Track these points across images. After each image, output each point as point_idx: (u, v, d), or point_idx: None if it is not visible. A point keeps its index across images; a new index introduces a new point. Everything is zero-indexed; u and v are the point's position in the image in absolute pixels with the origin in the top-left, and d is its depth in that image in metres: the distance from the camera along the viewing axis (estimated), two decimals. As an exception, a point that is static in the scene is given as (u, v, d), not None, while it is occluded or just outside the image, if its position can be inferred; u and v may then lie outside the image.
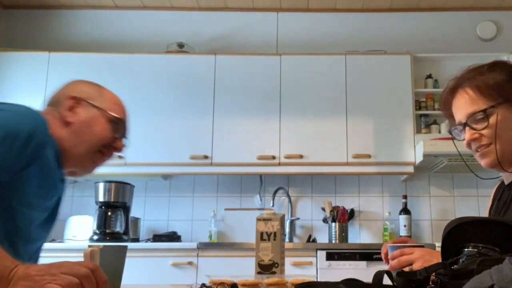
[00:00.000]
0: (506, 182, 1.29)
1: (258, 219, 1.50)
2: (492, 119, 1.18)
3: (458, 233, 0.89)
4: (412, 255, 1.19)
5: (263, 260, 1.46)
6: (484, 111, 1.18)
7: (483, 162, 1.23)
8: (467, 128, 1.22)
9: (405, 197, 3.67)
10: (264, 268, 1.45)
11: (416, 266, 1.16)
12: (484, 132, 1.19)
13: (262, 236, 1.48)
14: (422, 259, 1.16)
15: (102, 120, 1.34)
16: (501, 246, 0.85)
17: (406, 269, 1.18)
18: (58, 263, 0.91)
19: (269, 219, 1.49)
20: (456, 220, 0.90)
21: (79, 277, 0.88)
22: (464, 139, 1.25)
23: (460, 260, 0.84)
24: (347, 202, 3.74)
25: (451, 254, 0.88)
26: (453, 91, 1.26)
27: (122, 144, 1.40)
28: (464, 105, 1.23)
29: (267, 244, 1.47)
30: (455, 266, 0.82)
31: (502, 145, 1.18)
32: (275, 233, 1.47)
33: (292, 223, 3.70)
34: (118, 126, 1.38)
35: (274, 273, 1.44)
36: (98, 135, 1.32)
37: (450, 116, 1.31)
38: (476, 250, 0.85)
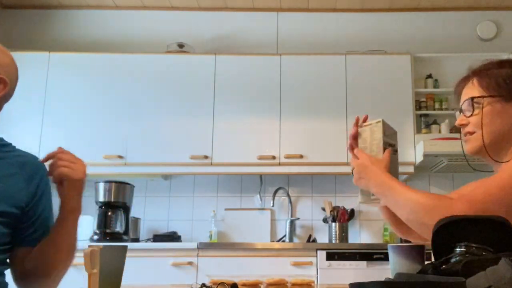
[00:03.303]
0: None
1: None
2: (480, 109, 1.22)
3: (452, 232, 0.88)
4: (354, 162, 1.28)
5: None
6: (472, 98, 1.23)
7: (465, 149, 1.29)
8: (461, 113, 1.29)
9: (405, 197, 3.66)
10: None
11: (353, 173, 1.27)
12: (470, 119, 1.25)
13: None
14: (356, 169, 1.26)
15: None
16: (495, 245, 0.84)
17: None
18: None
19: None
20: (447, 217, 0.90)
21: None
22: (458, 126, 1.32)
23: (451, 260, 0.84)
24: (347, 202, 3.74)
25: (445, 253, 0.88)
26: (464, 80, 1.31)
27: None
28: (466, 93, 1.28)
29: None
30: (444, 266, 0.82)
31: (483, 135, 1.22)
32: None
33: (292, 223, 3.70)
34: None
35: None
36: None
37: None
38: (465, 249, 0.85)
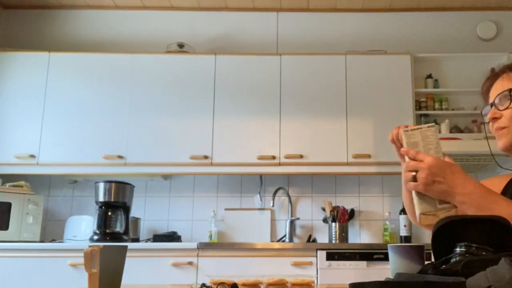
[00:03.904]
0: None
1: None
2: None
3: (452, 232, 0.88)
4: (420, 164, 1.07)
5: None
6: (510, 90, 1.18)
7: (498, 144, 1.22)
8: (493, 107, 1.23)
9: (405, 197, 3.66)
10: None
11: (420, 176, 1.06)
12: (504, 112, 1.19)
13: None
14: (428, 171, 1.05)
15: None
16: (495, 245, 0.84)
17: (409, 177, 1.08)
18: None
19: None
20: (447, 218, 0.90)
21: None
22: (488, 121, 1.24)
23: (451, 260, 0.84)
24: (347, 202, 3.74)
25: (445, 253, 0.87)
26: (492, 77, 1.27)
27: None
28: (499, 87, 1.23)
29: None
30: (444, 266, 0.82)
31: None
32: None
33: (292, 223, 3.70)
34: None
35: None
36: None
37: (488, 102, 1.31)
38: (465, 249, 0.85)
